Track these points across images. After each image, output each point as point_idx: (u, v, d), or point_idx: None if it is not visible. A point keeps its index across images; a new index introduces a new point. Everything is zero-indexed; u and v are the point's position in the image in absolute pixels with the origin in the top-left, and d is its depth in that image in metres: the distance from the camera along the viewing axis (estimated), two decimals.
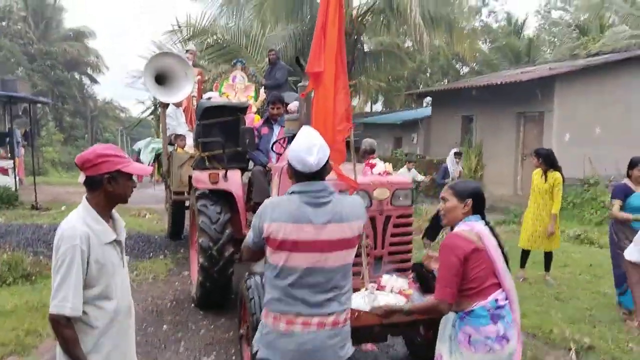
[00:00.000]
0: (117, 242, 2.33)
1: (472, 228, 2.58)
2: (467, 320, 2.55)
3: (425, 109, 21.14)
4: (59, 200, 14.52)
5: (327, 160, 2.35)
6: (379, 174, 3.68)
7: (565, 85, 12.65)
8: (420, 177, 10.59)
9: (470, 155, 15.27)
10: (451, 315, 2.64)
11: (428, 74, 28.73)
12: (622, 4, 22.06)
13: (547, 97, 12.65)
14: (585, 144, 12.36)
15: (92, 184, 2.26)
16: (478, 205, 2.66)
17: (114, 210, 2.40)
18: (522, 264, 6.94)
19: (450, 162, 9.28)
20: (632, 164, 5.30)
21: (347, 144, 3.51)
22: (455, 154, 8.75)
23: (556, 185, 6.51)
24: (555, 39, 30.75)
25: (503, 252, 2.60)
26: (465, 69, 28.68)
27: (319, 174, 2.33)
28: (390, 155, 18.06)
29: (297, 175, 2.34)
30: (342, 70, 3.27)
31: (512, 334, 2.59)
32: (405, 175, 10.77)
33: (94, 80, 38.60)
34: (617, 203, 5.30)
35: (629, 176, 5.34)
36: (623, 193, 5.28)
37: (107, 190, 2.26)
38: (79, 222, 2.21)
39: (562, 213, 11.31)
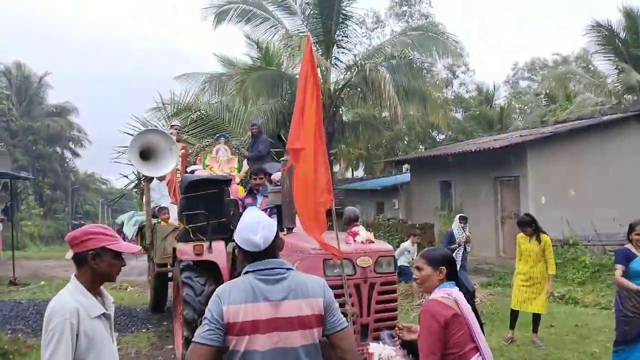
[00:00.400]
0: (105, 316, 2.36)
1: (450, 294, 2.67)
2: None
3: (404, 175, 21.62)
4: (38, 275, 14.20)
5: (276, 236, 2.27)
6: (362, 242, 3.80)
7: (537, 151, 13.19)
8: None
9: (452, 218, 15.50)
10: None
11: (406, 141, 29.62)
12: (584, 74, 23.49)
13: (520, 162, 13.15)
14: (561, 206, 12.71)
15: (79, 261, 2.31)
16: (451, 271, 2.77)
17: (102, 287, 2.44)
18: (512, 325, 6.99)
19: (456, 228, 9.14)
20: (631, 228, 5.15)
21: (329, 213, 3.64)
22: (460, 218, 8.55)
23: (548, 247, 6.69)
24: (526, 107, 32.30)
25: (477, 316, 2.69)
26: (442, 136, 29.69)
27: (269, 252, 2.24)
28: (373, 220, 18.23)
29: (246, 256, 2.26)
30: (321, 145, 3.47)
31: None
32: (411, 249, 10.81)
33: (75, 154, 38.83)
34: (619, 268, 5.12)
35: (629, 240, 5.19)
36: (625, 258, 5.14)
37: (92, 267, 2.30)
38: (68, 297, 2.25)
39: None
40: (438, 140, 29.42)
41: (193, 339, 2.16)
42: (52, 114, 35.68)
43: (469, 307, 2.68)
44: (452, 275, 2.78)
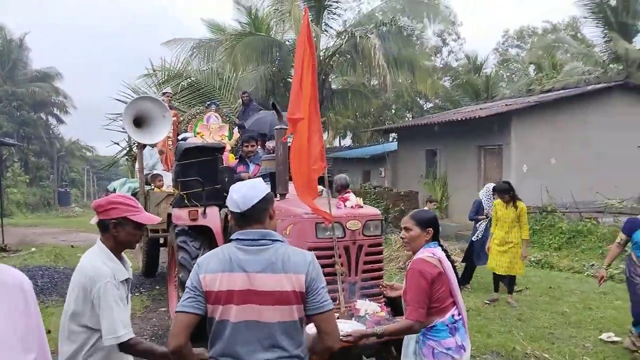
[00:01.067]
0: (127, 280, 2.56)
1: (434, 254, 2.92)
2: (429, 335, 2.88)
3: (391, 144, 21.88)
4: (27, 242, 14.37)
5: (262, 202, 2.19)
6: (352, 207, 4.04)
7: (521, 120, 13.49)
8: None
9: (436, 186, 15.91)
10: (419, 337, 2.96)
11: (393, 110, 29.75)
12: (572, 42, 23.62)
13: (504, 131, 13.45)
14: (542, 175, 13.11)
15: (103, 227, 2.50)
16: (436, 232, 3.03)
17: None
18: (496, 288, 7.46)
19: (486, 198, 9.09)
20: None
21: (322, 180, 3.87)
22: (494, 189, 8.25)
23: (523, 214, 7.07)
24: (514, 76, 32.48)
25: (456, 273, 2.96)
26: (429, 105, 29.84)
27: (248, 217, 2.18)
28: (359, 188, 18.55)
29: (233, 218, 2.24)
30: (316, 114, 3.68)
31: (467, 343, 2.95)
32: None
33: (60, 121, 38.35)
34: (619, 237, 5.26)
35: None
36: (629, 228, 5.14)
37: (113, 234, 2.48)
38: (99, 262, 2.44)
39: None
40: (425, 108, 29.59)
41: (176, 309, 2.13)
42: (36, 79, 35.05)
43: (450, 265, 2.93)
44: (436, 236, 3.02)
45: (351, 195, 4.11)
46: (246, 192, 2.19)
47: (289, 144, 4.31)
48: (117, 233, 2.48)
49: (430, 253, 2.92)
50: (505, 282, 7.39)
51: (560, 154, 13.57)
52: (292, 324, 2.11)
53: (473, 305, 7.25)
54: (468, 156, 14.98)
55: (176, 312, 2.12)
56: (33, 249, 12.80)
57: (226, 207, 5.94)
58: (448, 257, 2.95)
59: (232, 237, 2.19)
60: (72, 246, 13.57)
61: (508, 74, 34.00)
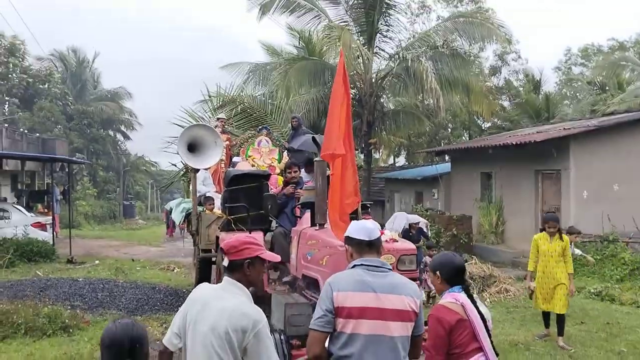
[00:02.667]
0: None
1: (457, 299, 2.90)
2: None
3: (446, 164, 21.54)
4: (92, 254, 15.22)
5: (380, 237, 2.74)
6: (386, 241, 4.08)
7: (581, 144, 12.97)
8: (577, 251, 9.34)
9: (491, 210, 15.49)
10: None
11: (450, 130, 29.28)
12: (638, 61, 22.52)
13: (562, 155, 12.96)
14: (604, 201, 12.51)
15: (235, 267, 2.56)
16: (451, 276, 2.96)
17: None
18: (547, 324, 7.04)
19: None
20: None
21: (356, 214, 3.95)
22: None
23: (567, 246, 6.74)
24: (578, 94, 31.25)
25: (483, 319, 2.91)
26: (488, 124, 29.13)
27: (375, 246, 2.69)
28: (411, 210, 18.36)
29: (357, 246, 2.69)
30: (350, 151, 3.78)
31: None
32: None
33: (126, 137, 40.45)
34: None
35: None
36: None
37: (246, 274, 2.55)
38: (248, 303, 2.51)
39: (583, 270, 11.46)
40: (484, 128, 28.93)
41: (310, 326, 2.58)
42: (104, 98, 37.25)
43: (475, 311, 2.89)
44: (457, 280, 2.97)
45: (386, 230, 4.15)
46: (372, 226, 2.74)
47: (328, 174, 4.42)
48: (250, 272, 2.55)
49: (453, 299, 2.92)
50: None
51: (624, 180, 12.91)
52: (407, 339, 2.58)
53: (523, 339, 7.03)
54: (525, 180, 14.53)
55: (310, 329, 2.56)
56: (97, 262, 13.56)
57: (270, 231, 6.13)
58: (473, 302, 2.93)
59: (355, 263, 2.64)
60: (132, 260, 14.26)
61: (572, 93, 32.75)
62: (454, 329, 2.83)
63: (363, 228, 2.71)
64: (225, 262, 2.59)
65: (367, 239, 2.66)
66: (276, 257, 2.88)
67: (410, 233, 9.92)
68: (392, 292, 2.54)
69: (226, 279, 2.58)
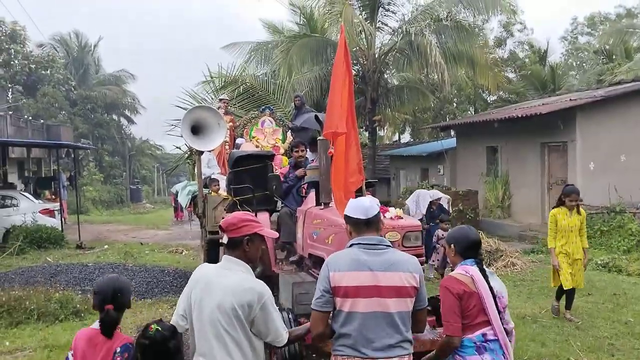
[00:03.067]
0: None
1: (467, 271, 2.94)
2: (456, 350, 2.91)
3: (452, 140, 21.42)
4: (101, 239, 15.37)
5: (379, 215, 2.72)
6: (391, 218, 4.08)
7: (587, 116, 12.83)
8: None
9: (497, 185, 15.44)
10: None
11: (455, 104, 29.03)
12: None
13: (569, 127, 12.84)
14: (611, 172, 12.43)
15: (234, 245, 2.60)
16: (464, 250, 3.01)
17: None
18: (559, 298, 6.80)
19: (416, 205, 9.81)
20: None
21: (360, 191, 3.94)
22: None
23: (584, 220, 6.49)
24: (584, 64, 30.80)
25: (493, 294, 2.92)
26: (493, 98, 28.85)
27: (373, 223, 2.68)
28: (417, 186, 18.33)
29: (355, 225, 2.69)
30: (353, 129, 3.75)
31: None
32: None
33: (131, 121, 40.44)
34: None
35: None
36: None
37: (245, 250, 2.60)
38: (252, 278, 2.58)
39: (590, 241, 11.42)
40: (489, 101, 28.65)
41: (311, 306, 2.65)
42: (107, 83, 37.12)
43: (486, 285, 2.90)
44: (471, 254, 3.01)
45: (391, 208, 4.14)
46: (369, 204, 2.71)
47: (331, 155, 4.40)
48: (249, 249, 2.61)
49: (463, 271, 2.96)
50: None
51: (631, 151, 12.79)
52: (407, 314, 2.61)
53: (530, 311, 7.06)
54: (531, 153, 14.44)
55: (312, 309, 2.63)
56: (106, 246, 13.71)
57: (276, 211, 6.13)
58: (485, 276, 2.93)
59: (353, 242, 2.66)
60: (141, 243, 14.39)
61: (578, 63, 32.27)
62: (462, 297, 2.87)
63: (360, 207, 2.70)
64: (225, 240, 2.62)
65: (364, 217, 2.66)
66: (274, 234, 2.98)
67: (430, 209, 9.96)
68: (389, 269, 2.56)
69: (226, 256, 2.61)
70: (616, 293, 7.87)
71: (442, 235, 8.67)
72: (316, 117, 5.26)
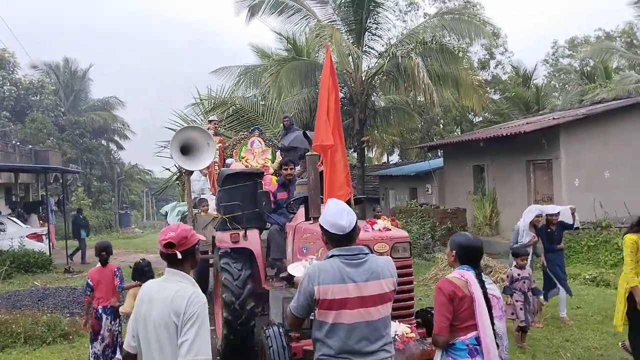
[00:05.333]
0: None
1: (463, 275, 3.03)
2: (449, 352, 2.99)
3: (439, 160, 21.65)
4: (89, 263, 15.16)
5: (356, 224, 2.70)
6: (379, 229, 4.15)
7: (570, 133, 13.09)
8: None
9: (484, 203, 15.60)
10: (438, 352, 3.06)
11: (441, 126, 29.43)
12: (625, 50, 22.72)
13: (553, 145, 13.09)
14: (595, 189, 12.63)
15: (187, 256, 2.54)
16: (464, 256, 3.09)
17: None
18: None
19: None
20: None
21: (348, 204, 4.00)
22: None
23: None
24: (567, 86, 31.46)
25: (487, 300, 2.98)
26: (479, 119, 29.30)
27: (351, 236, 2.66)
28: (405, 206, 18.45)
29: (332, 239, 2.68)
30: (341, 142, 3.84)
31: None
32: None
33: (119, 146, 40.39)
34: None
35: None
36: None
37: (195, 259, 2.60)
38: (192, 286, 2.50)
39: (577, 257, 11.59)
40: (475, 122, 29.09)
41: (289, 308, 2.72)
42: (97, 108, 37.19)
43: (479, 290, 2.97)
44: (468, 260, 3.08)
45: (379, 220, 4.22)
46: (348, 216, 2.66)
47: (320, 170, 4.48)
48: (197, 256, 2.62)
49: (459, 275, 3.04)
50: None
51: (614, 167, 13.04)
52: (388, 317, 2.69)
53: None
54: (517, 171, 14.65)
55: (291, 313, 2.71)
56: None
57: (266, 229, 6.16)
58: (482, 284, 2.99)
59: (333, 254, 2.66)
60: (130, 267, 14.22)
61: (560, 85, 32.95)
62: (454, 299, 2.94)
63: (336, 224, 2.64)
64: (180, 255, 2.51)
65: (341, 234, 2.66)
66: (202, 237, 2.79)
67: (548, 229, 7.58)
68: (370, 278, 2.60)
69: (168, 270, 2.55)
70: (604, 306, 7.95)
71: (518, 276, 6.45)
72: (305, 134, 5.35)
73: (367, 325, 2.58)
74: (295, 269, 3.56)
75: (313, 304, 2.60)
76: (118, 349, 5.47)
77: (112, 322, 5.52)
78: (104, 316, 5.46)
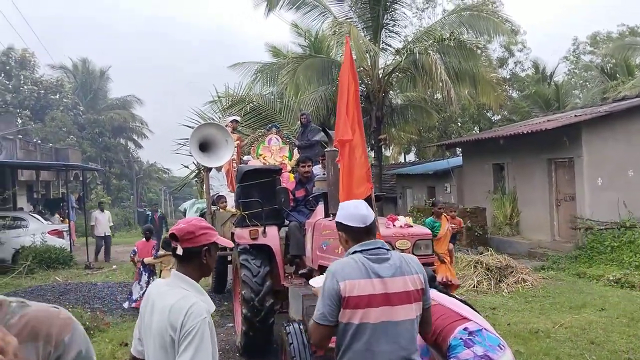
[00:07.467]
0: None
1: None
2: (450, 355, 2.95)
3: (458, 158, 21.43)
4: (110, 260, 15.36)
5: (375, 219, 2.55)
6: (401, 226, 4.08)
7: (592, 131, 12.82)
8: None
9: (505, 202, 15.38)
10: None
11: (459, 123, 29.16)
12: None
13: (575, 143, 12.82)
14: (619, 188, 12.35)
15: (190, 256, 2.26)
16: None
17: None
18: None
19: None
20: None
21: (369, 200, 3.94)
22: None
23: None
24: (587, 83, 30.93)
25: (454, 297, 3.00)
26: (497, 117, 28.97)
27: (372, 230, 2.50)
28: (424, 205, 18.30)
29: (353, 233, 2.48)
30: (361, 137, 3.79)
31: (498, 354, 2.91)
32: None
33: (138, 145, 40.84)
34: None
35: None
36: None
37: (202, 261, 2.28)
38: (193, 296, 2.19)
39: (601, 257, 11.35)
40: (493, 120, 28.75)
41: (313, 318, 2.40)
42: (115, 107, 37.67)
43: (442, 295, 3.04)
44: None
45: (400, 217, 4.15)
46: (366, 209, 2.52)
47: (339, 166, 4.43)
48: (207, 259, 2.29)
49: None
50: None
51: (638, 166, 12.73)
52: (413, 321, 2.42)
53: (543, 326, 6.98)
54: (537, 170, 14.40)
55: (317, 324, 2.39)
56: (114, 266, 13.72)
57: (285, 226, 6.13)
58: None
59: (356, 249, 2.46)
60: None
61: (581, 82, 32.42)
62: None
63: (357, 215, 2.49)
64: (180, 251, 2.26)
65: (363, 226, 2.48)
66: (229, 243, 2.59)
67: None
68: (395, 274, 2.39)
69: (175, 273, 2.29)
70: (630, 308, 7.75)
71: None
72: (324, 131, 5.30)
73: (391, 327, 2.36)
74: (317, 281, 3.24)
75: (340, 305, 2.35)
76: None
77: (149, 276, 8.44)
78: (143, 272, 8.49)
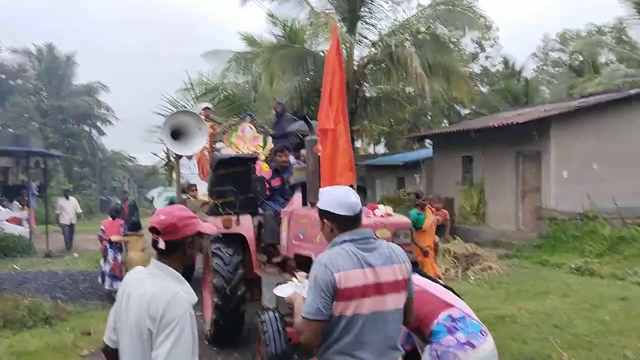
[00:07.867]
0: None
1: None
2: (431, 340, 2.97)
3: (427, 150, 21.67)
4: (71, 249, 14.92)
5: (361, 209, 2.41)
6: (381, 215, 4.06)
7: (560, 126, 13.14)
8: None
9: (472, 193, 15.67)
10: (426, 348, 3.03)
11: (429, 117, 29.46)
12: (615, 45, 22.89)
13: (543, 137, 13.12)
14: (584, 181, 12.71)
15: (173, 248, 2.14)
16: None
17: None
18: None
19: None
20: None
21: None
22: None
23: None
24: (554, 79, 31.66)
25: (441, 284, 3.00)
26: (466, 111, 29.37)
27: (359, 220, 2.37)
28: (393, 194, 18.47)
29: (341, 222, 2.35)
30: (345, 126, 3.73)
31: (480, 341, 2.94)
32: None
33: (101, 132, 39.78)
34: None
35: None
36: None
37: (185, 253, 2.17)
38: (173, 287, 2.09)
39: (563, 246, 11.70)
40: (463, 114, 29.16)
41: (303, 315, 2.26)
42: (80, 93, 36.51)
43: (428, 281, 3.07)
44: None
45: (380, 205, 4.13)
46: (355, 197, 2.40)
47: (319, 155, 4.37)
48: (190, 251, 2.18)
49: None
50: None
51: (602, 159, 13.12)
52: (399, 313, 2.39)
53: (509, 312, 7.12)
54: (505, 162, 14.70)
55: (307, 320, 2.25)
56: (75, 255, 13.33)
57: (259, 215, 6.04)
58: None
59: (345, 239, 2.34)
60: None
61: (548, 78, 33.15)
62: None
63: (346, 202, 2.36)
64: (162, 245, 2.12)
65: (352, 214, 2.35)
66: (214, 229, 2.45)
67: None
68: (385, 263, 2.33)
69: (155, 262, 2.16)
70: (591, 294, 8.00)
71: None
72: (305, 119, 5.21)
73: (381, 317, 2.31)
74: (284, 290, 2.96)
75: (332, 299, 2.23)
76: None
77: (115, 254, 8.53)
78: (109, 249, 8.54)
